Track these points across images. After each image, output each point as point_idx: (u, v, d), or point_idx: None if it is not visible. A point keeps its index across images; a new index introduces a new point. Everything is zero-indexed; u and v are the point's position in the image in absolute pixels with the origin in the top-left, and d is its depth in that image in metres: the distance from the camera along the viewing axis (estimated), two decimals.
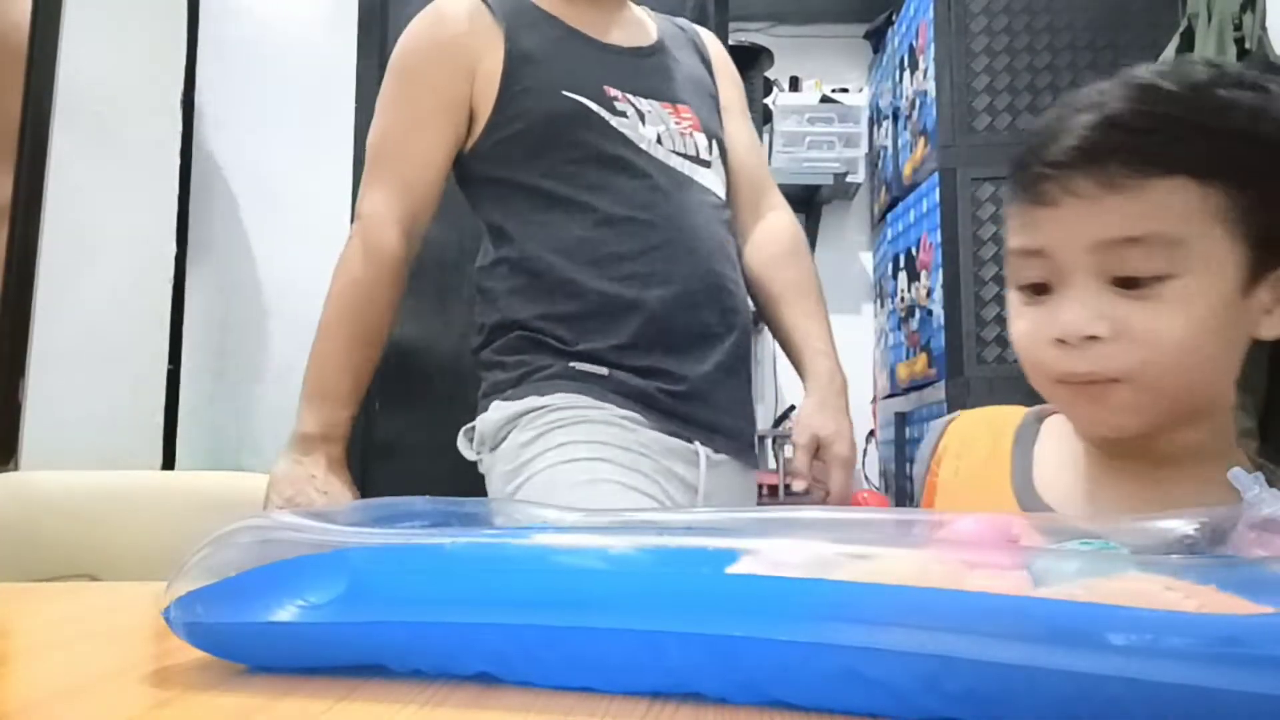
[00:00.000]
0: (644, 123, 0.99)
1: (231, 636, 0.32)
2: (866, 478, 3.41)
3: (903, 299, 2.80)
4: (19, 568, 0.84)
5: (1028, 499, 0.63)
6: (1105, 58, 2.04)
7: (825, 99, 3.32)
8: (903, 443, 2.87)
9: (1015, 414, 0.72)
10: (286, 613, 0.31)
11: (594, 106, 0.96)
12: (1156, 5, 2.01)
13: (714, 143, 1.06)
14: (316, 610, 0.31)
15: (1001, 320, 2.24)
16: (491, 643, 0.29)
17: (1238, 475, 0.34)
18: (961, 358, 2.22)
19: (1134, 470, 0.60)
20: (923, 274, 2.58)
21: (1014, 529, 0.37)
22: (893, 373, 2.97)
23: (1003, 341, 2.19)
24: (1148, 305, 0.54)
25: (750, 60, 2.75)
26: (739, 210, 1.10)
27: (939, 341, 2.38)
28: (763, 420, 3.95)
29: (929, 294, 2.53)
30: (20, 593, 0.50)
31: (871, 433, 3.40)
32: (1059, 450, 0.65)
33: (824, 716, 0.26)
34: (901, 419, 2.83)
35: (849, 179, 3.27)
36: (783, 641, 0.26)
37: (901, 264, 2.83)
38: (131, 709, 0.27)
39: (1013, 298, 0.62)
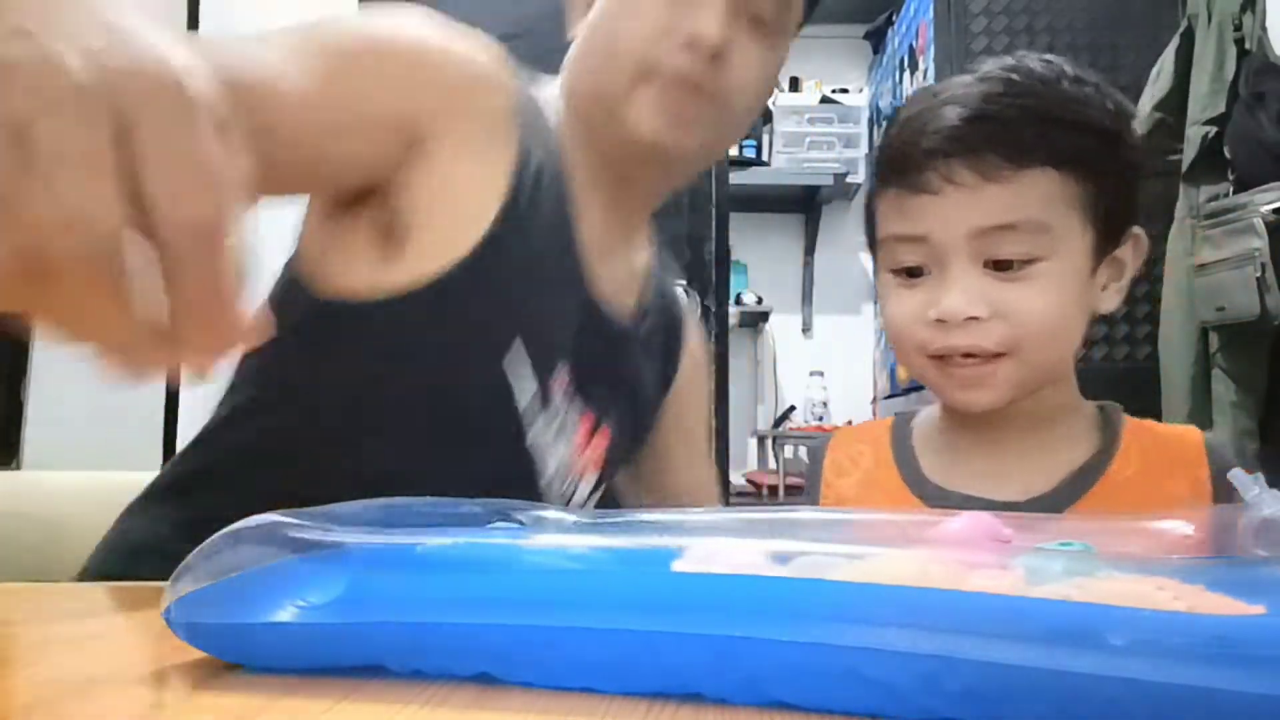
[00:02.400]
0: (557, 439, 0.73)
1: (232, 637, 0.32)
2: None
3: None
4: (19, 567, 0.84)
5: (922, 488, 0.68)
6: (1105, 58, 2.04)
7: (825, 99, 3.32)
8: None
9: (884, 423, 0.78)
10: (286, 613, 0.31)
11: (524, 401, 0.68)
12: (1156, 5, 2.01)
13: (596, 492, 0.82)
14: (316, 611, 0.31)
15: None
16: (492, 643, 0.29)
17: (1238, 475, 0.35)
18: None
19: (999, 435, 0.66)
20: None
21: (1003, 530, 0.38)
22: (892, 373, 2.98)
23: None
24: (1019, 286, 0.60)
25: None
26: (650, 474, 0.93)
27: None
28: (763, 420, 3.96)
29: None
30: (20, 592, 0.50)
31: None
32: (933, 438, 0.71)
33: (824, 717, 0.26)
34: None
35: (849, 179, 3.27)
36: (783, 642, 0.26)
37: None
38: (131, 710, 0.27)
39: (887, 279, 0.66)
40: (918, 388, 2.62)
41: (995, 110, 0.61)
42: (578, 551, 0.32)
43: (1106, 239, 0.63)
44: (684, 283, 1.57)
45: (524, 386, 0.68)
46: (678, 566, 0.31)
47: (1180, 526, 0.42)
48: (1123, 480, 0.65)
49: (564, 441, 0.74)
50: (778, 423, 3.80)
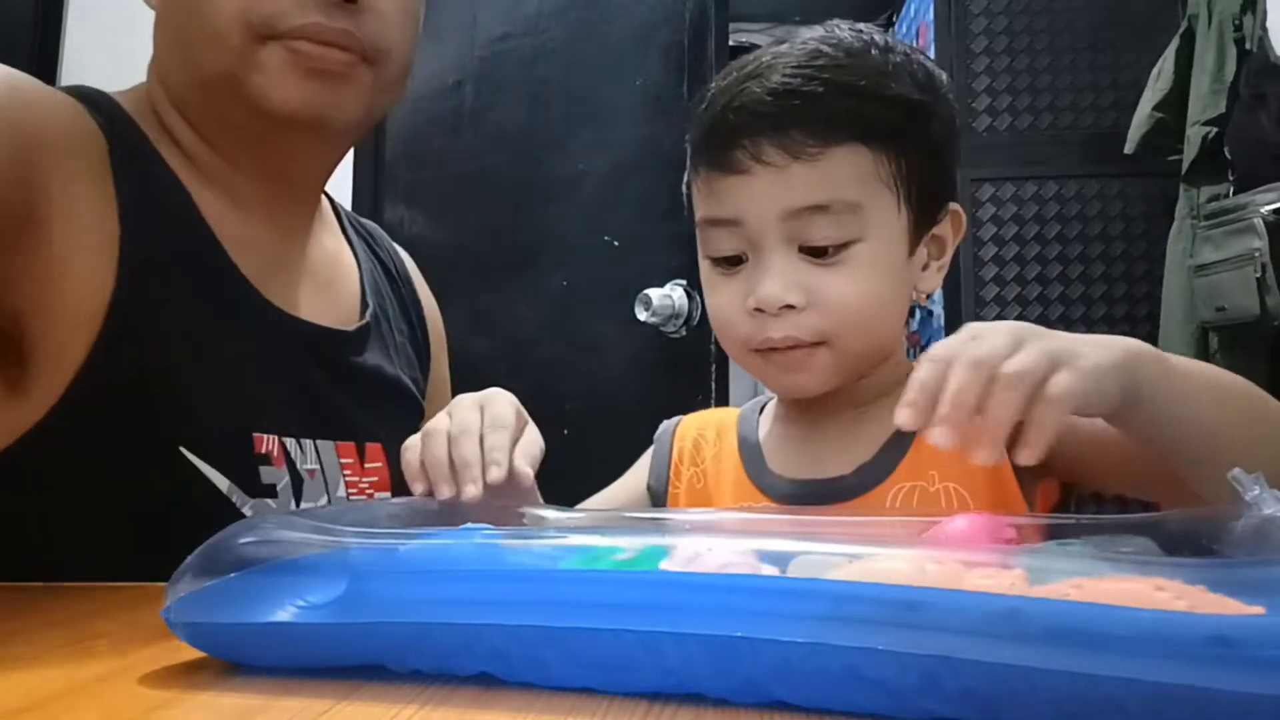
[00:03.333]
0: (297, 496, 0.65)
1: (231, 637, 0.32)
2: None
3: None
4: None
5: (761, 478, 0.66)
6: (1105, 58, 2.04)
7: None
8: None
9: (732, 411, 0.75)
10: (286, 613, 0.31)
11: (223, 487, 0.60)
12: (1156, 5, 2.01)
13: None
14: (316, 611, 0.31)
15: (1003, 320, 2.23)
16: (492, 643, 0.29)
17: (1238, 476, 0.34)
18: None
19: (830, 417, 0.64)
20: None
21: (1006, 530, 0.38)
22: None
23: None
24: (835, 271, 0.57)
25: None
26: None
27: (939, 340, 2.38)
28: None
29: (928, 295, 2.53)
30: (20, 592, 0.50)
31: None
32: (774, 427, 0.69)
33: (824, 716, 0.26)
34: None
35: None
36: (781, 642, 0.26)
37: None
38: (132, 709, 0.27)
39: (706, 269, 0.64)
40: None
41: (800, 84, 0.57)
42: (574, 553, 0.32)
43: (923, 217, 0.61)
44: (684, 283, 1.57)
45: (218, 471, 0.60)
46: (665, 566, 0.31)
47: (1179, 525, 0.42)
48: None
49: (318, 491, 0.67)
50: None
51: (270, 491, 0.64)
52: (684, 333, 1.57)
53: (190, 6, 0.62)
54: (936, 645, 0.25)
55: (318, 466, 0.68)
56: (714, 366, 1.57)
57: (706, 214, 0.62)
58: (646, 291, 1.54)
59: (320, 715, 0.27)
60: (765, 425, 0.70)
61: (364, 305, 0.76)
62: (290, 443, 0.66)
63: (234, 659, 0.33)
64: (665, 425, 0.76)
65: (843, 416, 0.64)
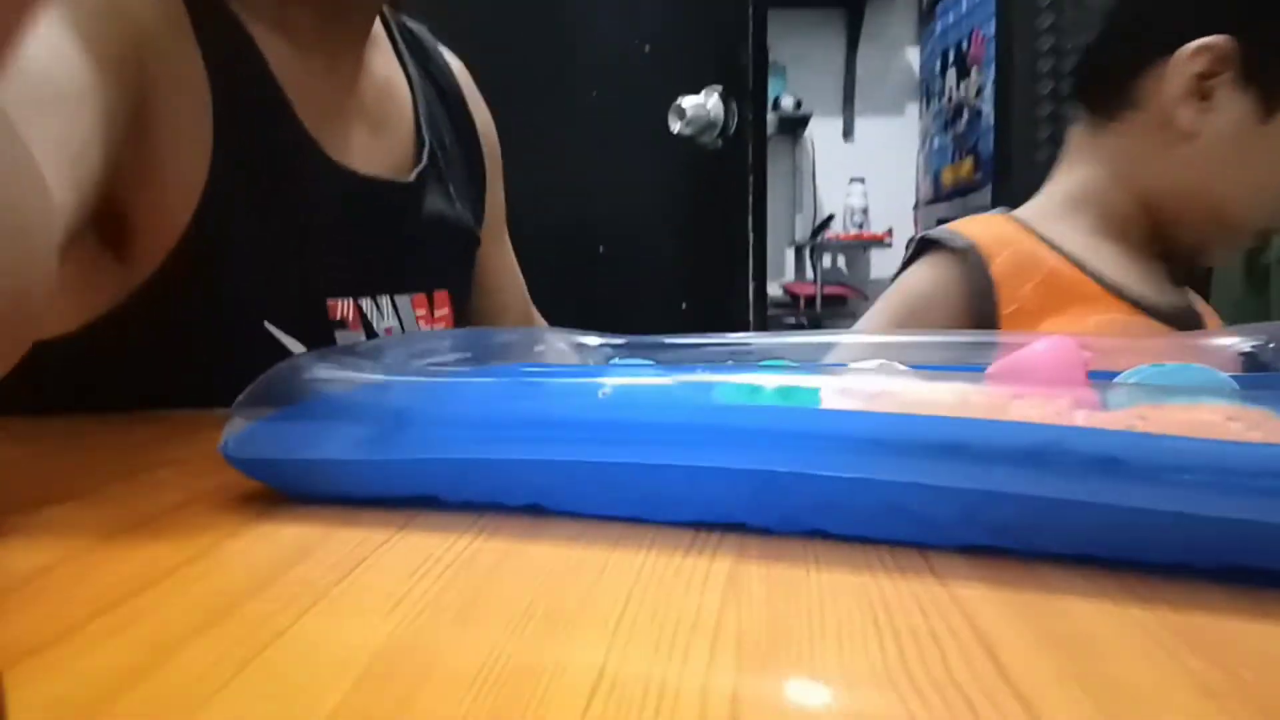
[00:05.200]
0: None
1: (285, 471, 0.33)
2: None
3: (950, 98, 2.66)
4: None
5: (1131, 294, 0.74)
6: None
7: None
8: None
9: (1008, 223, 0.78)
10: (338, 448, 0.32)
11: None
12: None
13: None
14: (366, 446, 0.32)
15: (1057, 118, 2.12)
16: (539, 478, 0.30)
17: None
18: (1010, 160, 2.14)
19: (1150, 254, 0.77)
20: (973, 70, 2.44)
21: (1085, 352, 0.37)
22: (936, 177, 2.88)
23: (1056, 141, 2.10)
24: None
25: None
26: None
27: (987, 143, 2.28)
28: (800, 230, 3.91)
29: (979, 92, 2.40)
30: (72, 428, 0.52)
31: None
32: (1109, 247, 0.75)
33: (865, 545, 0.27)
34: None
35: None
36: (823, 477, 0.26)
37: (951, 60, 2.68)
38: (194, 542, 0.29)
39: None
40: (962, 192, 2.54)
41: None
42: (657, 386, 0.32)
43: None
44: (720, 88, 1.50)
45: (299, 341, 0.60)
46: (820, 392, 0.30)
47: (1238, 343, 0.41)
48: None
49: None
50: (815, 232, 3.75)
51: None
52: (719, 144, 1.52)
53: None
54: (975, 479, 0.25)
55: (395, 323, 0.68)
56: (752, 179, 1.53)
57: None
58: (680, 101, 1.48)
59: (380, 545, 0.28)
60: (1074, 243, 0.76)
61: (419, 141, 0.74)
62: (366, 303, 0.66)
63: (291, 493, 0.34)
64: (958, 244, 0.75)
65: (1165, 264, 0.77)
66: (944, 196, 2.79)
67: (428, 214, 0.73)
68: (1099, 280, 0.73)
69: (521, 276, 0.96)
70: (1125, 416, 0.26)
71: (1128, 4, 0.76)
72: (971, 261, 0.73)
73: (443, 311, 0.74)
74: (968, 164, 2.54)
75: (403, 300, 0.69)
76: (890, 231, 3.71)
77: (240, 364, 0.52)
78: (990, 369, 0.37)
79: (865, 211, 3.81)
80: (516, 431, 0.30)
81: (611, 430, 0.29)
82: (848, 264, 3.92)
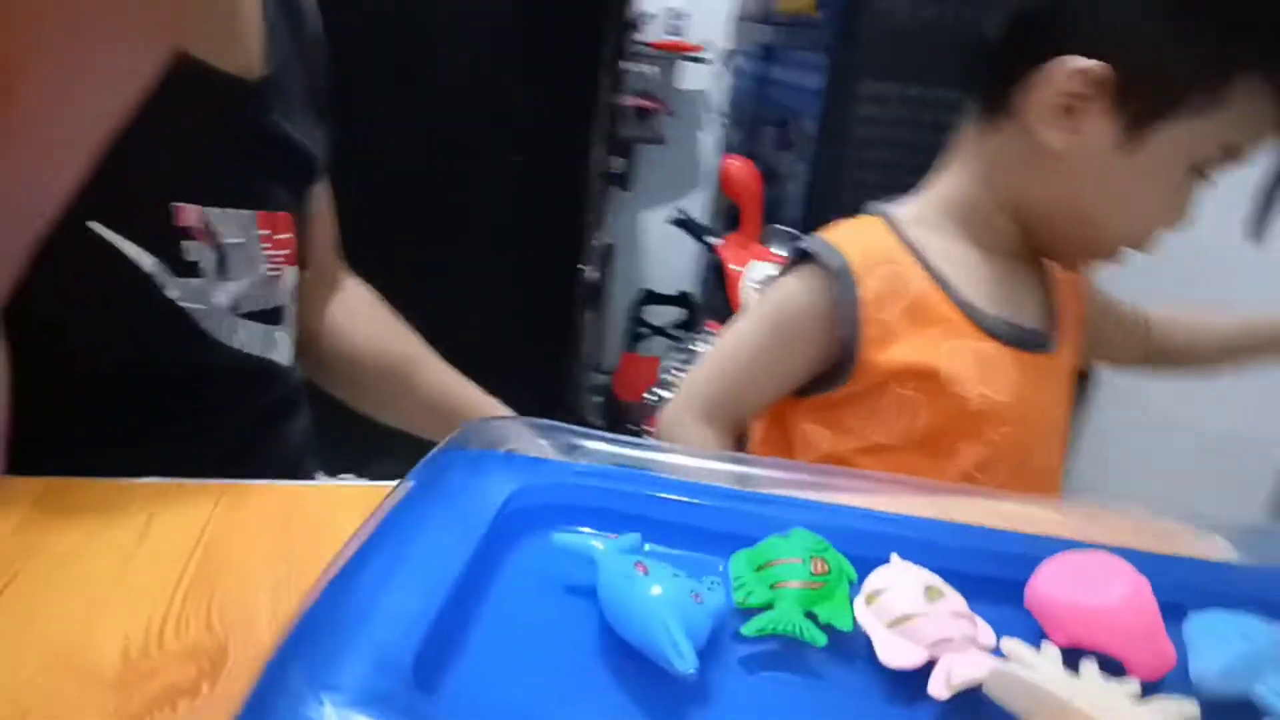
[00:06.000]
0: (222, 274, 0.60)
1: None
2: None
3: None
4: None
5: (973, 313, 0.75)
6: None
7: None
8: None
9: (878, 229, 0.77)
10: None
11: (146, 266, 0.55)
12: None
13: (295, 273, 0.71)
14: None
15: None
16: None
17: None
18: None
19: (1027, 267, 0.79)
20: None
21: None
22: None
23: None
24: None
25: None
26: (309, 284, 0.77)
27: None
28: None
29: None
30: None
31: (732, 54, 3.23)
32: (972, 260, 0.77)
33: None
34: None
35: None
36: None
37: None
38: None
39: (1177, 173, 0.70)
40: (798, 25, 2.44)
41: None
42: None
43: None
44: None
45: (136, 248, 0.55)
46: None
47: None
48: None
49: (243, 266, 0.61)
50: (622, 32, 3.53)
51: (194, 270, 0.58)
52: None
53: None
54: None
55: (242, 239, 0.62)
56: None
57: (1244, 140, 0.68)
58: None
59: None
60: (945, 255, 0.76)
61: (266, 55, 0.63)
62: (214, 213, 0.59)
63: None
64: (827, 257, 0.74)
65: (1030, 272, 0.79)
66: (775, 21, 2.68)
67: (270, 125, 0.64)
68: (959, 304, 0.74)
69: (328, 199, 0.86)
70: None
71: (1026, 6, 0.71)
72: (843, 283, 0.73)
73: (285, 237, 0.67)
74: None
75: (247, 216, 0.62)
76: (704, 46, 3.56)
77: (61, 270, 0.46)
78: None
79: (682, 17, 3.62)
80: None
81: None
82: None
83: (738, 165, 2.05)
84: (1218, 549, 0.47)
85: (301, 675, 0.26)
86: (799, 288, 0.76)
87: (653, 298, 3.33)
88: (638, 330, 3.28)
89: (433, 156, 1.76)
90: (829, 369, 0.75)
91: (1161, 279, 1.34)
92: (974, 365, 0.72)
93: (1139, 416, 1.93)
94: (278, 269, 0.66)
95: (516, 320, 1.90)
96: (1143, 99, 0.67)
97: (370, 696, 0.25)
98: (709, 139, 3.59)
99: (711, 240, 2.14)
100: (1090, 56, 0.66)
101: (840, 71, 2.14)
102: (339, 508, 0.48)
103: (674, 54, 3.62)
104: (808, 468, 0.48)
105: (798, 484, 0.46)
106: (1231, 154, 0.68)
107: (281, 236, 0.66)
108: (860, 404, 0.74)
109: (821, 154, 2.21)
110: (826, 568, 0.36)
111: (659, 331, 3.23)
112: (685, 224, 2.23)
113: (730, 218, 2.26)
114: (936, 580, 0.36)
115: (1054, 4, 0.69)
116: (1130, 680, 0.33)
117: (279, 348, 0.68)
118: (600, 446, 0.44)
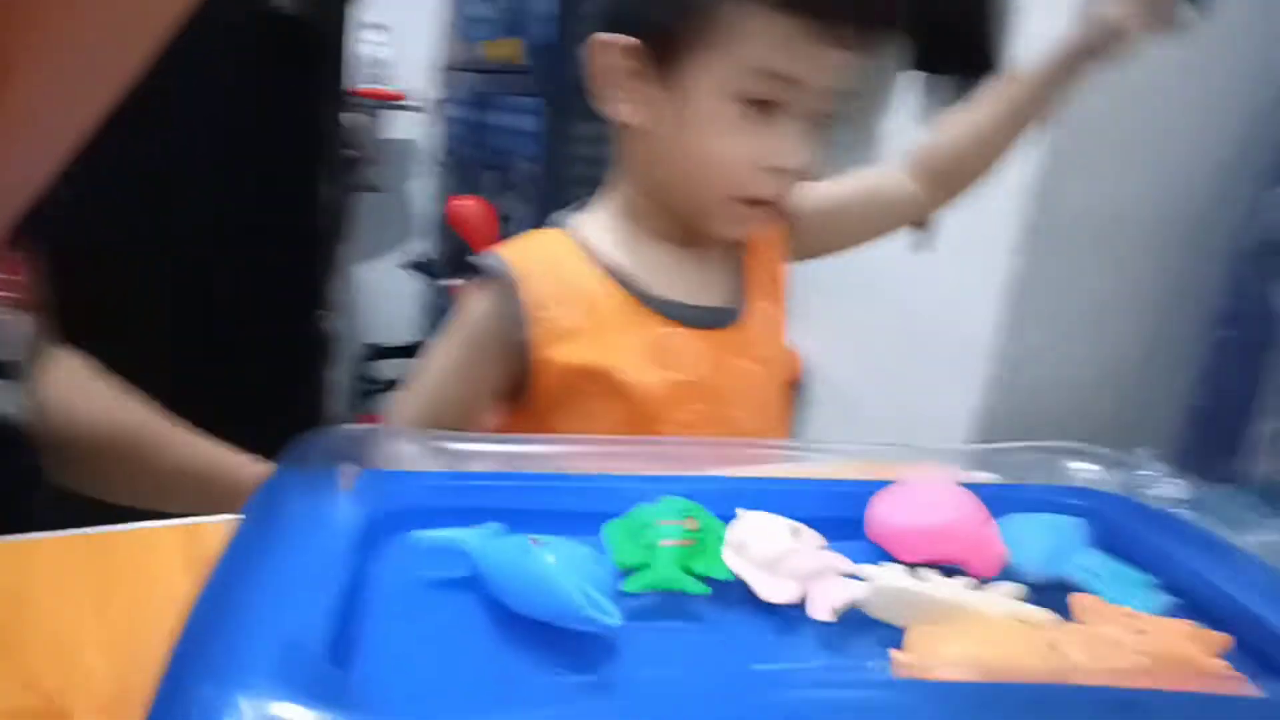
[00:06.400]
0: None
1: None
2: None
3: None
4: None
5: (654, 302, 0.78)
6: None
7: None
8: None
9: (557, 237, 0.81)
10: None
11: None
12: None
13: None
14: None
15: None
16: None
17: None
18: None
19: (704, 252, 0.81)
20: None
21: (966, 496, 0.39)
22: (475, 45, 2.79)
23: None
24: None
25: None
26: None
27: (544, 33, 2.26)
28: None
29: None
30: None
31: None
32: (647, 253, 0.80)
33: None
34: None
35: None
36: None
37: None
38: None
39: (719, 109, 0.70)
40: (513, 70, 2.49)
41: None
42: None
43: None
44: None
45: None
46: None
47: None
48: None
49: None
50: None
51: None
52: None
53: None
54: None
55: None
56: None
57: (776, 66, 0.68)
58: None
59: None
60: (620, 251, 0.78)
61: None
62: None
63: None
64: (486, 268, 0.76)
65: (712, 252, 0.80)
66: (484, 69, 2.72)
67: None
68: (637, 295, 0.77)
69: None
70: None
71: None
72: (505, 286, 0.75)
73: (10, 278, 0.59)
74: (511, 45, 2.50)
75: None
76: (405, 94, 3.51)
77: None
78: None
79: (381, 65, 3.55)
80: None
81: None
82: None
83: (470, 205, 2.05)
84: (980, 476, 0.54)
85: (207, 677, 0.23)
86: (474, 301, 0.78)
87: (382, 352, 3.21)
88: (368, 388, 3.14)
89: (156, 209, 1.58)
90: (524, 377, 0.77)
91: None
92: (652, 352, 0.76)
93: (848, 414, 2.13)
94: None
95: (255, 378, 1.74)
96: (654, 46, 0.71)
97: (283, 679, 0.23)
98: (419, 186, 3.55)
99: (448, 282, 2.12)
100: (613, 31, 0.72)
101: (555, 115, 2.23)
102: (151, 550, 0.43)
103: (377, 102, 3.55)
104: (631, 440, 0.50)
105: (627, 456, 0.47)
106: (788, 81, 0.70)
107: (4, 276, 0.57)
108: (559, 407, 0.76)
109: (544, 194, 2.27)
110: (698, 525, 0.37)
111: (392, 385, 3.12)
112: (422, 267, 2.18)
113: (456, 262, 2.25)
114: (794, 523, 0.39)
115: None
116: (971, 580, 0.37)
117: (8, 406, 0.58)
118: (443, 446, 0.43)
